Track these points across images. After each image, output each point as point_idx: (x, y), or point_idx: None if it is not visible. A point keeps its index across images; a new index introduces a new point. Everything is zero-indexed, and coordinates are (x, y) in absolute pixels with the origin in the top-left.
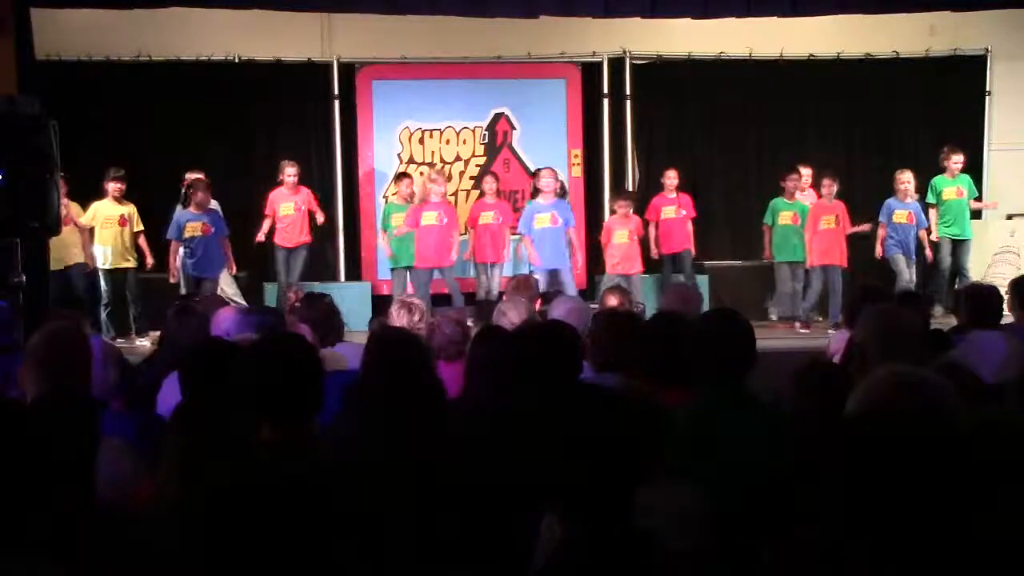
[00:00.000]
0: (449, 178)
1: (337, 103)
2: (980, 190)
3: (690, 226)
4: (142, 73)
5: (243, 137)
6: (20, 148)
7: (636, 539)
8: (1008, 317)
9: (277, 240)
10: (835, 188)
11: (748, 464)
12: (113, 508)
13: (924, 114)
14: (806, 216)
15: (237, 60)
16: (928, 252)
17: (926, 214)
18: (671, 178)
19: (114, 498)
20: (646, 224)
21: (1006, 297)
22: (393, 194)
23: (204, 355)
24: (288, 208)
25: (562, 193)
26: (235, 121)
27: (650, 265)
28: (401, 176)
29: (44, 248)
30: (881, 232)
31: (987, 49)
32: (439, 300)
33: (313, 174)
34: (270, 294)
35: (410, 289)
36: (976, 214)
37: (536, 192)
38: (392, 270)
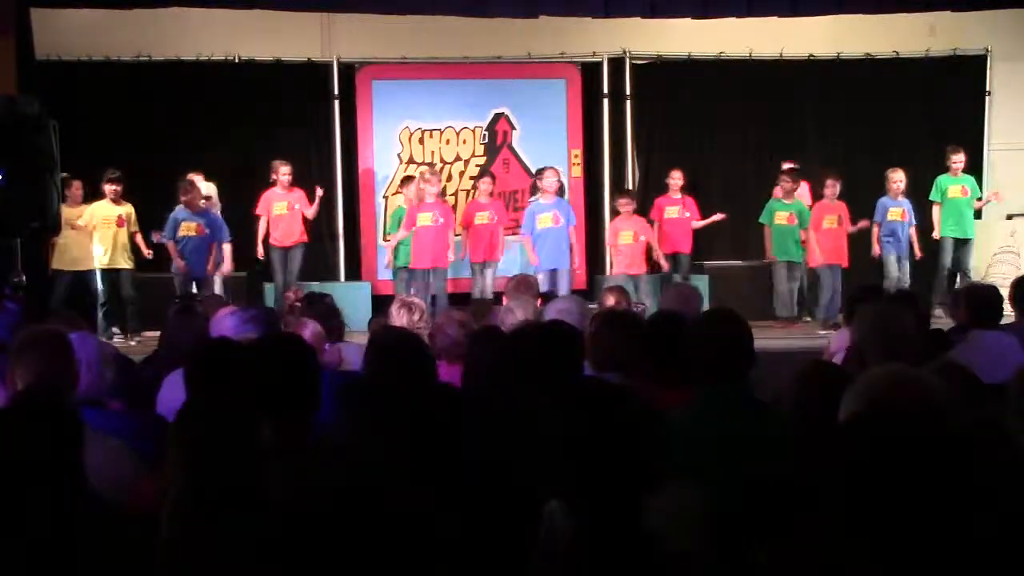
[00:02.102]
0: (450, 177)
1: (337, 103)
2: (980, 190)
3: (693, 227)
4: (142, 73)
5: (243, 137)
6: (20, 148)
7: (638, 540)
8: (1008, 317)
9: (271, 240)
10: (838, 188)
11: (748, 464)
12: (113, 508)
13: (924, 114)
14: (803, 217)
15: (237, 60)
16: (917, 249)
17: (929, 212)
18: (675, 179)
19: (114, 498)
20: (650, 223)
21: (1006, 297)
22: (394, 194)
23: (207, 354)
24: (281, 207)
25: (560, 192)
26: (235, 121)
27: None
28: (407, 179)
29: (44, 248)
30: (876, 231)
31: (987, 49)
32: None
33: (313, 174)
34: (271, 294)
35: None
36: (977, 214)
37: (536, 190)
38: (395, 271)
